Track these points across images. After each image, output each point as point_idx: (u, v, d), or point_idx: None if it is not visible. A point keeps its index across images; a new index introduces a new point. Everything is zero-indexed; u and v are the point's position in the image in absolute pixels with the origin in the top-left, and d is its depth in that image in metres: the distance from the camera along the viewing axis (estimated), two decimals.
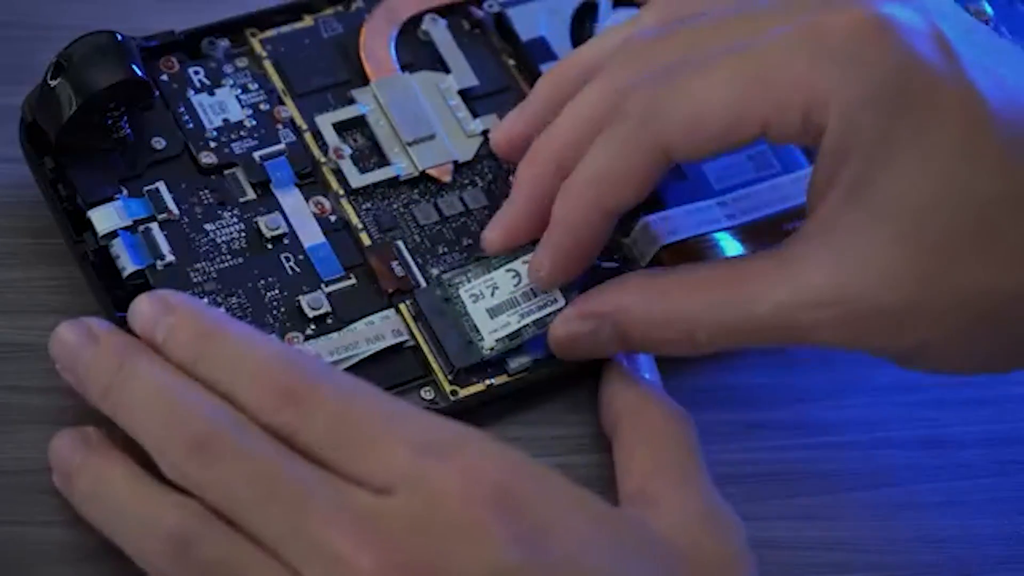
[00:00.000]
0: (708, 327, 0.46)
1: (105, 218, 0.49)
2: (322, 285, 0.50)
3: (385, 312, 0.50)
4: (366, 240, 0.51)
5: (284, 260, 0.51)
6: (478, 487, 0.41)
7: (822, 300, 0.44)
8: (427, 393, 0.49)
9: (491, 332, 0.49)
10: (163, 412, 0.43)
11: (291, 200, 0.52)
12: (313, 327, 0.49)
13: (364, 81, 0.54)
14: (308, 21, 0.55)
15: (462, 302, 0.50)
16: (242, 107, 0.53)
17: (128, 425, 0.44)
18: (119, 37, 0.50)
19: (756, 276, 0.46)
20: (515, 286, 0.50)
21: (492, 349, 0.49)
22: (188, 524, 0.42)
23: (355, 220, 0.52)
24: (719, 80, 0.45)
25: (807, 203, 0.46)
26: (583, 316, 0.48)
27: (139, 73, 0.50)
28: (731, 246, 0.52)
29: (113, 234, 0.49)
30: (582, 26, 0.56)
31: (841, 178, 0.44)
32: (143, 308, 0.45)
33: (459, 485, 0.41)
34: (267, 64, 0.54)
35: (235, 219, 0.51)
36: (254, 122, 0.53)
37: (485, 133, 0.54)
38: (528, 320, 0.49)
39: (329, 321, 0.50)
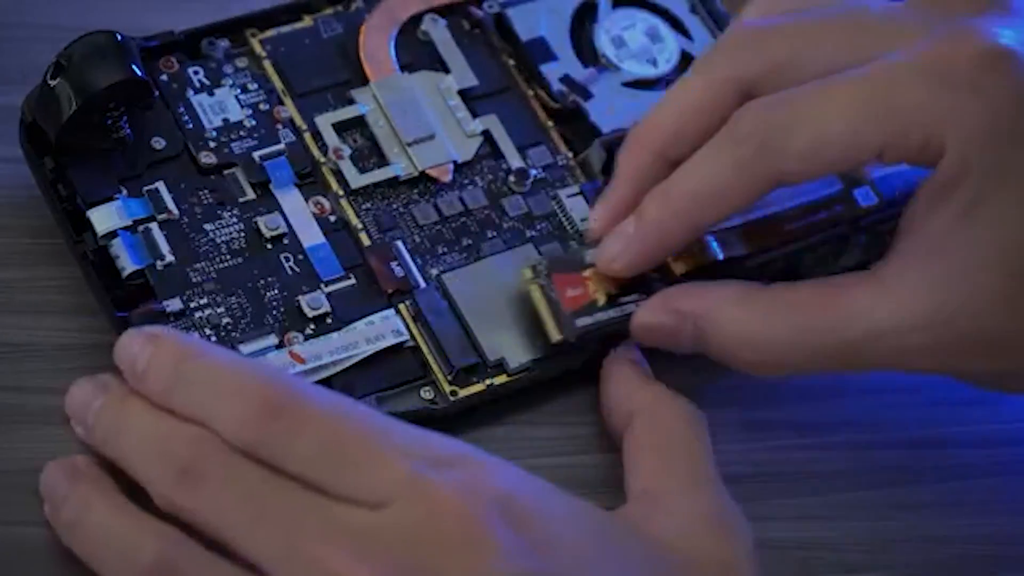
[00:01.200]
0: (795, 350, 0.46)
1: (105, 218, 0.49)
2: (322, 285, 0.50)
3: (385, 312, 0.50)
4: (366, 240, 0.51)
5: (284, 260, 0.51)
6: (478, 500, 0.41)
7: (922, 323, 0.45)
8: (427, 393, 0.49)
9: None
10: (150, 443, 0.43)
11: (291, 200, 0.52)
12: (313, 327, 0.49)
13: (364, 81, 0.54)
14: (308, 21, 0.55)
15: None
16: (242, 107, 0.53)
17: (124, 464, 0.44)
18: (119, 37, 0.50)
19: (850, 298, 0.46)
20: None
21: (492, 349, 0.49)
22: (169, 552, 0.42)
23: (355, 220, 0.52)
24: (839, 109, 0.45)
25: (901, 223, 0.46)
26: (669, 311, 0.48)
27: (139, 73, 0.50)
28: (731, 246, 0.52)
29: (113, 234, 0.49)
30: (582, 26, 0.56)
31: (950, 203, 0.45)
32: (127, 341, 0.45)
33: (458, 498, 0.41)
34: (267, 64, 0.54)
35: (235, 219, 0.51)
36: (254, 122, 0.53)
37: (485, 133, 0.54)
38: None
39: (329, 321, 0.50)
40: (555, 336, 0.49)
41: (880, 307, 0.45)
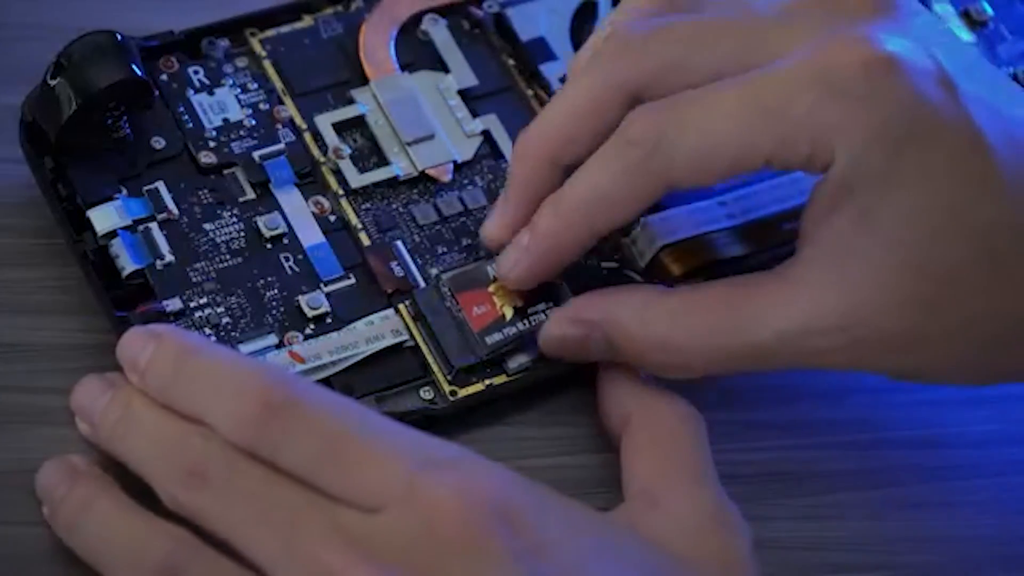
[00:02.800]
0: (705, 353, 0.46)
1: (104, 218, 0.49)
2: (321, 285, 0.50)
3: (384, 312, 0.50)
4: (365, 240, 0.51)
5: (283, 260, 0.51)
6: (476, 503, 0.41)
7: (830, 326, 0.45)
8: (426, 393, 0.49)
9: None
10: (157, 443, 0.43)
11: (290, 200, 0.52)
12: (312, 327, 0.49)
13: (364, 81, 0.54)
14: (308, 21, 0.55)
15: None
16: (242, 107, 0.53)
17: (130, 462, 0.44)
18: (119, 37, 0.50)
19: (758, 301, 0.46)
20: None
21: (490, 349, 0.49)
22: (177, 553, 0.42)
23: (354, 220, 0.52)
24: (726, 115, 0.45)
25: (802, 228, 0.46)
26: (575, 321, 0.48)
27: (139, 73, 0.50)
28: (731, 246, 0.52)
29: (112, 234, 0.49)
30: (582, 26, 0.56)
31: (846, 209, 0.45)
32: (130, 338, 0.45)
33: (456, 501, 0.41)
34: (267, 64, 0.54)
35: (234, 219, 0.51)
36: (254, 122, 0.53)
37: (485, 133, 0.54)
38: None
39: (328, 321, 0.50)
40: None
41: (789, 309, 0.45)
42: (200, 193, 0.51)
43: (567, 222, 0.47)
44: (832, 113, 0.44)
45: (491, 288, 0.50)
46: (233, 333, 0.49)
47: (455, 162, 0.53)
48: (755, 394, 0.52)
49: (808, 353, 0.45)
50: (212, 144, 0.52)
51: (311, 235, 0.51)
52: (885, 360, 0.46)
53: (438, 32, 0.55)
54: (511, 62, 0.56)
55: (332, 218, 0.52)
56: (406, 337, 0.49)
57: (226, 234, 0.51)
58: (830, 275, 0.45)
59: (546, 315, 0.49)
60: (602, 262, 0.52)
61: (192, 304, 0.49)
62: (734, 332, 0.46)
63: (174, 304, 0.49)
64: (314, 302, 0.50)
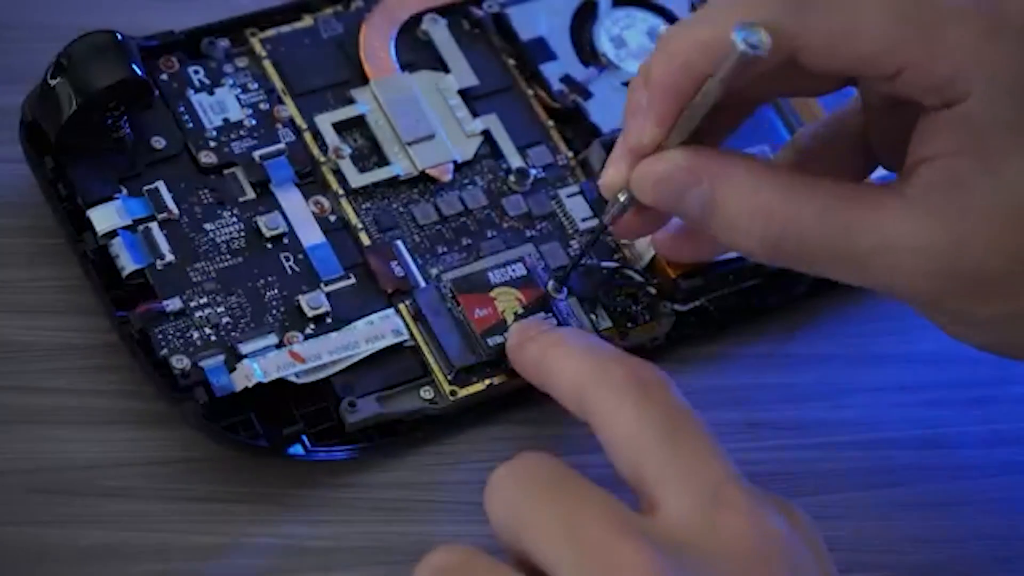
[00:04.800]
0: (800, 237, 0.45)
1: (104, 217, 0.49)
2: (321, 285, 0.50)
3: (384, 312, 0.50)
4: (365, 240, 0.51)
5: (284, 260, 0.51)
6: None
7: (933, 249, 0.44)
8: (426, 393, 0.49)
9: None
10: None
11: (291, 200, 0.52)
12: (312, 327, 0.49)
13: (364, 81, 0.54)
14: (308, 21, 0.55)
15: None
16: (242, 107, 0.53)
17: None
18: (119, 37, 0.50)
19: (870, 204, 0.44)
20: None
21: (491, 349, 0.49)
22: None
23: (354, 220, 0.52)
24: (883, 5, 0.43)
25: (918, 142, 0.45)
26: (688, 168, 0.45)
27: (139, 73, 0.50)
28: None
29: (113, 233, 0.49)
30: (582, 26, 0.56)
31: (971, 149, 0.44)
32: None
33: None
34: (267, 64, 0.54)
35: (235, 219, 0.51)
36: (254, 122, 0.53)
37: (485, 133, 0.54)
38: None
39: (328, 321, 0.50)
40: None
41: (899, 223, 0.44)
42: (200, 193, 0.51)
43: (674, 64, 0.45)
44: (989, 51, 0.43)
45: (493, 293, 0.50)
46: (233, 333, 0.49)
47: (455, 162, 0.53)
48: (755, 394, 0.52)
49: (901, 271, 0.44)
50: (212, 144, 0.52)
51: (311, 235, 0.51)
52: (966, 301, 0.45)
53: (438, 32, 0.55)
54: (511, 62, 0.56)
55: (332, 218, 0.52)
56: (406, 337, 0.49)
57: (226, 234, 0.51)
58: (946, 204, 0.44)
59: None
60: (602, 262, 0.52)
61: (192, 304, 0.49)
62: (840, 227, 0.44)
63: (174, 304, 0.49)
64: (314, 302, 0.50)
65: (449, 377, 0.49)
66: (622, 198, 0.47)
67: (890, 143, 0.47)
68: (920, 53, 0.43)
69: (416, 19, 0.55)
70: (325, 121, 0.53)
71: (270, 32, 0.55)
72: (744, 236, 0.45)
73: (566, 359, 0.45)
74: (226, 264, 0.50)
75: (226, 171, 0.52)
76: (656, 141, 0.45)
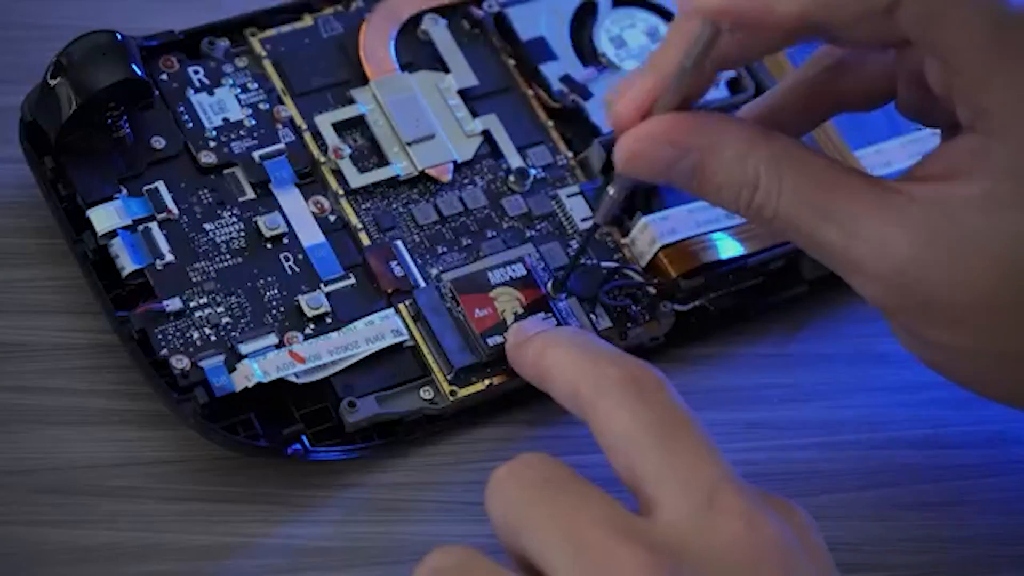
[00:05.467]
0: (783, 215, 0.44)
1: (104, 217, 0.49)
2: (321, 285, 0.50)
3: (384, 312, 0.50)
4: (365, 240, 0.51)
5: (283, 260, 0.51)
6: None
7: (895, 262, 0.43)
8: (426, 393, 0.49)
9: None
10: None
11: (290, 200, 0.52)
12: (312, 327, 0.49)
13: (364, 81, 0.54)
14: (308, 21, 0.55)
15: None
16: (242, 107, 0.53)
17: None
18: (119, 37, 0.50)
19: (853, 198, 0.44)
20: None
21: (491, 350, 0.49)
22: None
23: (354, 220, 0.52)
24: None
25: (929, 158, 0.45)
26: (670, 142, 0.45)
27: (139, 73, 0.50)
28: (731, 246, 0.52)
29: (112, 233, 0.49)
30: (582, 26, 0.56)
31: (987, 184, 0.43)
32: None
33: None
34: (267, 64, 0.54)
35: (234, 219, 0.51)
36: (254, 122, 0.53)
37: (485, 133, 0.54)
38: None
39: (328, 321, 0.50)
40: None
41: (873, 220, 0.44)
42: (200, 193, 0.51)
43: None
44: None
45: (493, 293, 0.50)
46: (233, 333, 0.49)
47: (455, 162, 0.53)
48: (755, 394, 0.52)
49: (857, 268, 0.44)
50: (212, 144, 0.52)
51: (311, 235, 0.51)
52: (916, 321, 0.44)
53: (438, 32, 0.55)
54: (511, 62, 0.56)
55: (332, 218, 0.52)
56: (406, 337, 0.49)
57: (226, 234, 0.51)
58: (924, 222, 0.43)
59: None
60: (602, 262, 0.52)
61: (192, 304, 0.49)
62: (816, 208, 0.44)
63: (174, 304, 0.49)
64: (314, 302, 0.50)
65: (449, 377, 0.49)
66: (611, 192, 0.47)
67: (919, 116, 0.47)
68: None
69: (416, 19, 0.55)
70: (325, 121, 0.53)
71: (270, 32, 0.55)
72: (730, 203, 0.45)
73: (563, 359, 0.45)
74: (226, 264, 0.50)
75: (226, 171, 0.52)
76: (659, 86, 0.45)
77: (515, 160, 0.54)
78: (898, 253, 0.43)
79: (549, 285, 0.51)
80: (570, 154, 0.54)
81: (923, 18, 0.42)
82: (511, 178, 0.53)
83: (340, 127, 0.53)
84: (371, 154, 0.53)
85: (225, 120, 0.52)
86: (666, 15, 0.57)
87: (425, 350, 0.50)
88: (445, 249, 0.52)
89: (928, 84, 0.45)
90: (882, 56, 0.46)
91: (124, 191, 0.50)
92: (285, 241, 0.51)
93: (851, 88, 0.47)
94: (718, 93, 0.55)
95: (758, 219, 0.45)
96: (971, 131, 0.44)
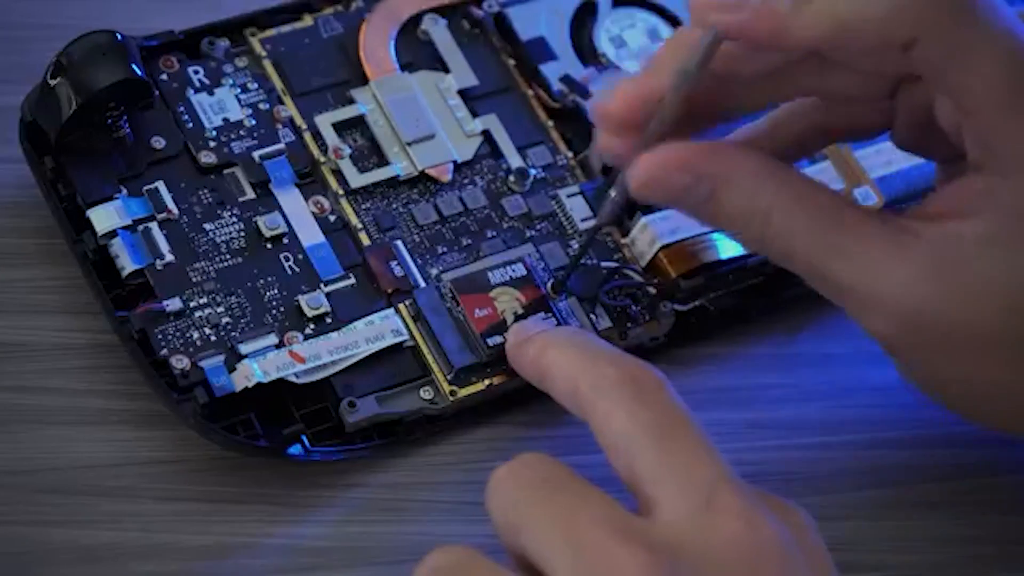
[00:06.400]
0: (787, 249, 0.45)
1: (104, 217, 0.49)
2: (321, 285, 0.50)
3: (384, 312, 0.50)
4: (365, 240, 0.51)
5: (283, 260, 0.51)
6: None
7: (905, 302, 0.44)
8: (426, 393, 0.49)
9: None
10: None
11: (290, 200, 0.52)
12: (312, 327, 0.49)
13: (364, 81, 0.54)
14: (308, 21, 0.55)
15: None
16: (242, 107, 0.53)
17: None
18: (119, 37, 0.50)
19: (864, 238, 0.44)
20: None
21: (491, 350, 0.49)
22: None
23: (354, 220, 0.52)
24: None
25: (938, 197, 0.45)
26: (685, 169, 0.45)
27: (139, 73, 0.50)
28: (731, 246, 0.52)
29: (112, 233, 0.49)
30: (582, 26, 0.56)
31: (1000, 223, 0.44)
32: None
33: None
34: (267, 64, 0.54)
35: (234, 219, 0.51)
36: (254, 122, 0.53)
37: (485, 133, 0.54)
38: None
39: (328, 321, 0.50)
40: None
41: (883, 262, 0.44)
42: (200, 193, 0.51)
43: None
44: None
45: (493, 293, 0.50)
46: (233, 333, 0.49)
47: (455, 162, 0.53)
48: (755, 394, 0.52)
49: (864, 307, 0.45)
50: (212, 144, 0.52)
51: (311, 235, 0.51)
52: (923, 359, 0.45)
53: (438, 32, 0.55)
54: (511, 62, 0.56)
55: (332, 218, 0.52)
56: (406, 337, 0.49)
57: (226, 234, 0.51)
58: (934, 264, 0.44)
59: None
60: (602, 262, 0.52)
61: (192, 304, 0.49)
62: (826, 246, 0.44)
63: (174, 304, 0.49)
64: (314, 302, 0.50)
65: (449, 377, 0.49)
66: (613, 194, 0.47)
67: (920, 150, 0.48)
68: (933, 19, 0.42)
69: (416, 19, 0.55)
70: (325, 121, 0.53)
71: (270, 32, 0.55)
72: (741, 233, 0.46)
73: (563, 359, 0.45)
74: (226, 264, 0.50)
75: (226, 171, 0.52)
76: (655, 87, 0.45)
77: (515, 160, 0.54)
78: (905, 290, 0.44)
79: (549, 285, 0.51)
80: (570, 154, 0.54)
81: (942, 58, 0.43)
82: (511, 178, 0.53)
83: (340, 127, 0.53)
84: (371, 154, 0.53)
85: (225, 120, 0.52)
86: (666, 15, 0.57)
87: (425, 350, 0.50)
88: (445, 249, 0.52)
89: (930, 118, 0.45)
90: (878, 91, 0.46)
91: (124, 191, 0.50)
92: (285, 241, 0.51)
93: (842, 121, 0.47)
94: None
95: (768, 251, 0.46)
96: (978, 171, 0.44)
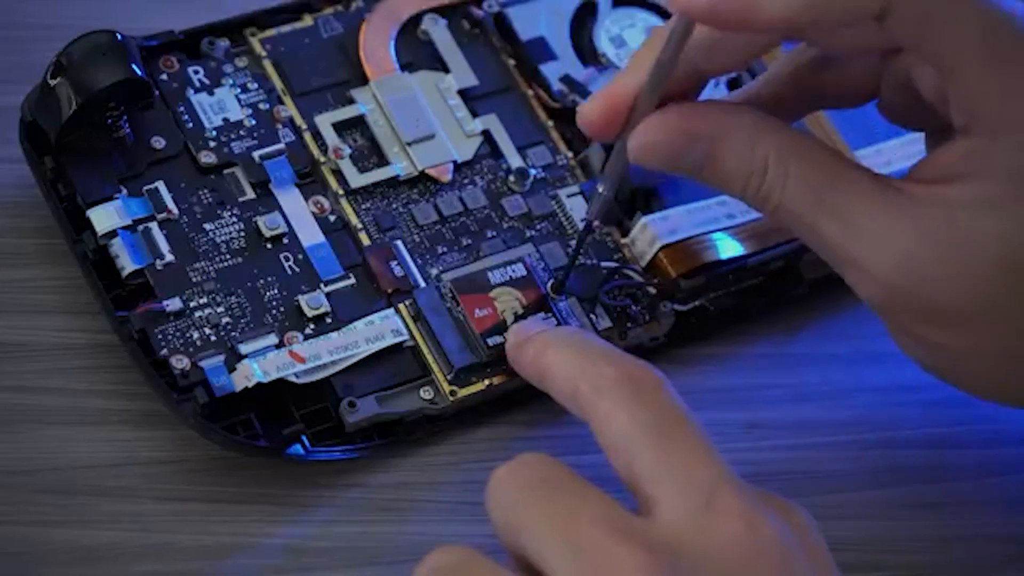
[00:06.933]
0: (784, 198, 0.45)
1: (104, 217, 0.49)
2: (321, 285, 0.50)
3: (384, 312, 0.50)
4: (365, 240, 0.51)
5: (283, 260, 0.51)
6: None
7: (893, 261, 0.44)
8: (426, 393, 0.49)
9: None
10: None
11: (290, 200, 0.52)
12: (312, 327, 0.49)
13: (364, 81, 0.54)
14: (308, 21, 0.55)
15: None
16: (242, 107, 0.53)
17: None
18: (119, 37, 0.50)
19: (858, 193, 0.44)
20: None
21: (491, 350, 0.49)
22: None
23: (354, 220, 0.52)
24: None
25: (930, 159, 0.45)
26: (682, 131, 0.45)
27: (139, 73, 0.50)
28: (731, 246, 0.52)
29: (112, 233, 0.49)
30: (582, 26, 0.56)
31: (991, 185, 0.43)
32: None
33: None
34: (267, 64, 0.54)
35: (234, 219, 0.51)
36: (254, 122, 0.53)
37: (485, 133, 0.54)
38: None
39: (328, 321, 0.50)
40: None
41: (874, 218, 0.44)
42: (200, 193, 0.51)
43: None
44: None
45: (493, 293, 0.50)
46: (233, 333, 0.49)
47: (455, 162, 0.53)
48: (755, 394, 0.52)
49: (854, 265, 0.44)
50: (212, 144, 0.52)
51: (311, 235, 0.51)
52: (913, 322, 0.45)
53: (438, 32, 0.55)
54: (511, 62, 0.56)
55: (332, 218, 0.52)
56: (406, 337, 0.49)
57: (226, 234, 0.51)
58: (925, 223, 0.44)
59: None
60: (602, 262, 0.52)
61: (192, 304, 0.49)
62: (819, 200, 0.44)
63: (174, 304, 0.49)
64: (314, 302, 0.50)
65: (449, 377, 0.49)
66: (601, 189, 0.47)
67: (906, 122, 0.48)
68: None
69: (416, 19, 0.55)
70: (325, 121, 0.53)
71: (270, 32, 0.55)
72: (737, 190, 0.46)
73: (563, 359, 0.45)
74: (226, 264, 0.50)
75: (226, 171, 0.52)
76: (629, 86, 0.45)
77: (515, 160, 0.54)
78: (896, 251, 0.44)
79: (549, 285, 0.51)
80: (570, 154, 0.54)
81: (915, 25, 0.42)
82: (511, 178, 0.53)
83: (340, 127, 0.53)
84: (371, 154, 0.53)
85: (225, 120, 0.52)
86: (666, 15, 0.57)
87: (425, 350, 0.50)
88: (445, 249, 0.52)
89: (914, 90, 0.45)
90: (866, 56, 0.46)
91: (124, 191, 0.50)
92: (285, 241, 0.51)
93: (833, 85, 0.47)
94: (716, 93, 0.55)
95: (763, 207, 0.45)
96: (965, 135, 0.44)
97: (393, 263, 0.51)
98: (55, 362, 0.49)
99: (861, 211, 0.44)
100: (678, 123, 0.45)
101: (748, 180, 0.45)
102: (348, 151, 0.53)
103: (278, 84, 0.54)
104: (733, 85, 0.56)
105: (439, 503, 0.49)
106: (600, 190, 0.47)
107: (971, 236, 0.43)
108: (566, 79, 0.55)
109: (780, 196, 0.45)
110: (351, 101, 0.54)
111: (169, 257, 0.50)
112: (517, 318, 0.50)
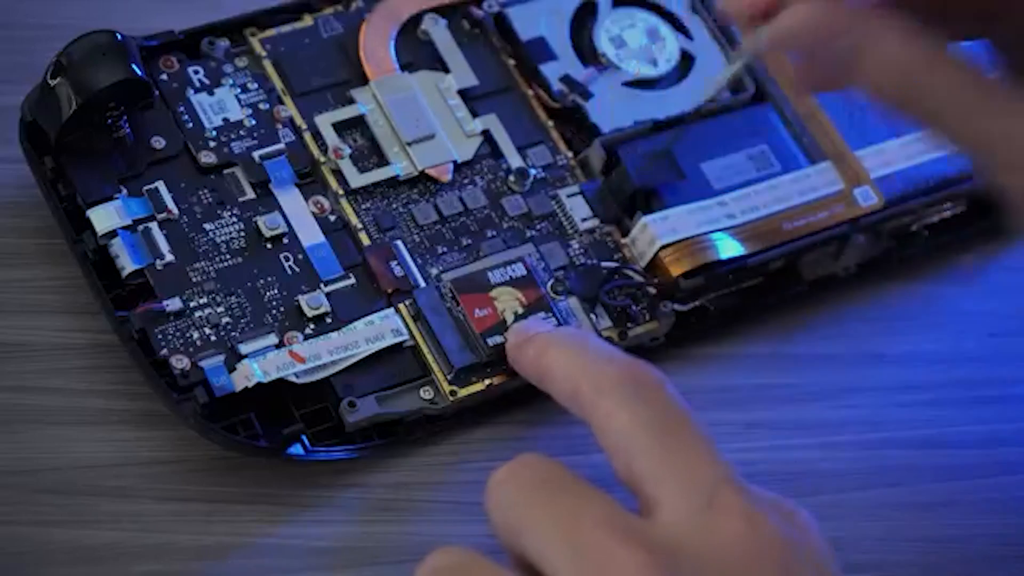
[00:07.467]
0: (931, 104, 0.44)
1: (104, 217, 0.49)
2: (321, 285, 0.50)
3: (384, 312, 0.50)
4: (365, 240, 0.51)
5: (283, 260, 0.51)
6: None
7: None
8: (426, 393, 0.49)
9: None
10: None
11: (290, 200, 0.52)
12: (312, 327, 0.49)
13: (364, 81, 0.54)
14: (308, 21, 0.55)
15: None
16: (242, 107, 0.53)
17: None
18: (119, 37, 0.50)
19: (1007, 105, 0.44)
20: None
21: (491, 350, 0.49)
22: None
23: (354, 220, 0.52)
24: None
25: None
26: (834, 15, 0.45)
27: (139, 73, 0.50)
28: (731, 246, 0.52)
29: (112, 233, 0.49)
30: (582, 26, 0.56)
31: None
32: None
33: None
34: (267, 64, 0.54)
35: (234, 219, 0.51)
36: (254, 122, 0.53)
37: (485, 133, 0.54)
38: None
39: (328, 321, 0.50)
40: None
41: None
42: (200, 193, 0.51)
43: None
44: None
45: (493, 293, 0.50)
46: (233, 333, 0.49)
47: (455, 162, 0.53)
48: (755, 394, 0.52)
49: (1008, 168, 0.44)
50: (212, 144, 0.52)
51: (311, 235, 0.51)
52: None
53: (438, 32, 0.55)
54: (511, 62, 0.56)
55: (332, 218, 0.52)
56: (406, 337, 0.49)
57: (226, 234, 0.51)
58: None
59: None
60: (602, 262, 0.52)
61: (192, 304, 0.49)
62: (969, 109, 0.44)
63: (174, 304, 0.49)
64: (314, 302, 0.50)
65: (449, 377, 0.49)
66: (736, 64, 0.47)
67: None
68: None
69: (416, 19, 0.55)
70: (325, 121, 0.53)
71: (270, 32, 0.55)
72: (878, 88, 0.45)
73: (563, 359, 0.45)
74: (226, 264, 0.50)
75: (226, 171, 0.52)
76: None
77: (515, 160, 0.54)
78: None
79: (549, 285, 0.51)
80: (570, 154, 0.54)
81: None
82: (511, 178, 0.53)
83: (340, 127, 0.53)
84: (371, 154, 0.53)
85: (225, 120, 0.52)
86: (666, 15, 0.57)
87: (425, 350, 0.50)
88: (445, 249, 0.52)
89: None
90: None
91: (124, 191, 0.50)
92: (285, 241, 0.51)
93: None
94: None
95: (912, 109, 0.45)
96: None
97: (393, 263, 0.51)
98: (55, 362, 0.49)
99: (1015, 110, 0.43)
100: (834, 12, 0.44)
101: (899, 81, 0.44)
102: (348, 151, 0.53)
103: (278, 84, 0.54)
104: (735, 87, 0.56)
105: (439, 503, 0.49)
106: (736, 64, 0.46)
107: None
108: (566, 79, 0.55)
109: (933, 98, 0.44)
110: (351, 101, 0.54)
111: (169, 257, 0.50)
112: (517, 318, 0.50)
